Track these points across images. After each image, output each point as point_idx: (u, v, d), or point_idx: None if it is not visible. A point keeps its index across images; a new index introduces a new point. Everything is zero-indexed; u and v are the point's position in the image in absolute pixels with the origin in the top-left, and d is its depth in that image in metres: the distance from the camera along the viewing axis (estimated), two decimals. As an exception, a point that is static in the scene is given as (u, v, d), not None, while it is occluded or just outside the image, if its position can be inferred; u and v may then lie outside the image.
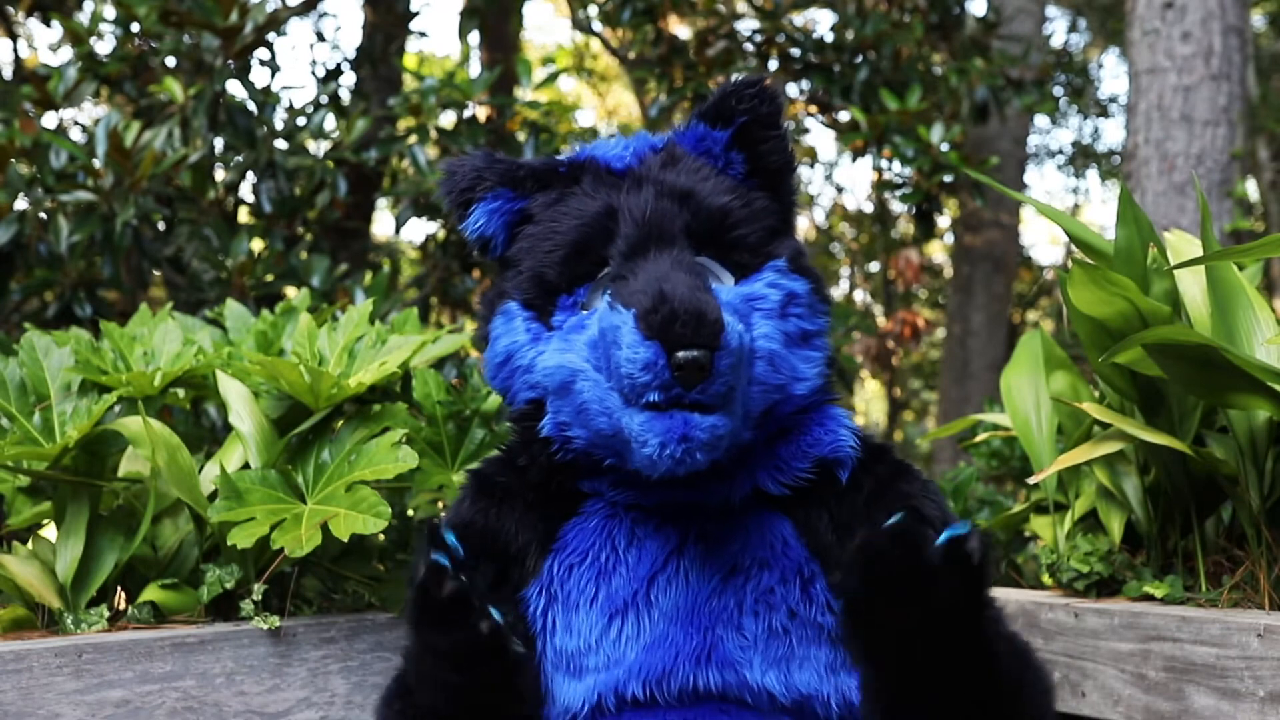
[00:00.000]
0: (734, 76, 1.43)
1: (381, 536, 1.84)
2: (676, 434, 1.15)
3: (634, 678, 1.26)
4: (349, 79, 5.03)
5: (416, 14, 5.13)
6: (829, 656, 1.28)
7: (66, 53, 4.79)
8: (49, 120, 3.82)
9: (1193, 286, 1.64)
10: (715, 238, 1.33)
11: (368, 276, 3.71)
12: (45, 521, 1.73)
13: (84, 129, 4.33)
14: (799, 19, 6.48)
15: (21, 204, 3.04)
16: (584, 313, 1.31)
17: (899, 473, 1.37)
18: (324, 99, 3.85)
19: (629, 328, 1.17)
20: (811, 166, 11.62)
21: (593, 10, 5.91)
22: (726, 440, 1.19)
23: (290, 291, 3.37)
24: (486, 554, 1.35)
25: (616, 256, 1.31)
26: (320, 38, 7.38)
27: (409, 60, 7.19)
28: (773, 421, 1.31)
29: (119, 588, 1.66)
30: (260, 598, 1.59)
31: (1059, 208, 1.81)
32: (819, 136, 17.78)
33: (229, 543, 1.53)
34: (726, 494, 1.31)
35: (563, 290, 1.33)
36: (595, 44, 9.76)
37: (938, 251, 12.12)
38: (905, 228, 10.64)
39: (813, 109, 5.78)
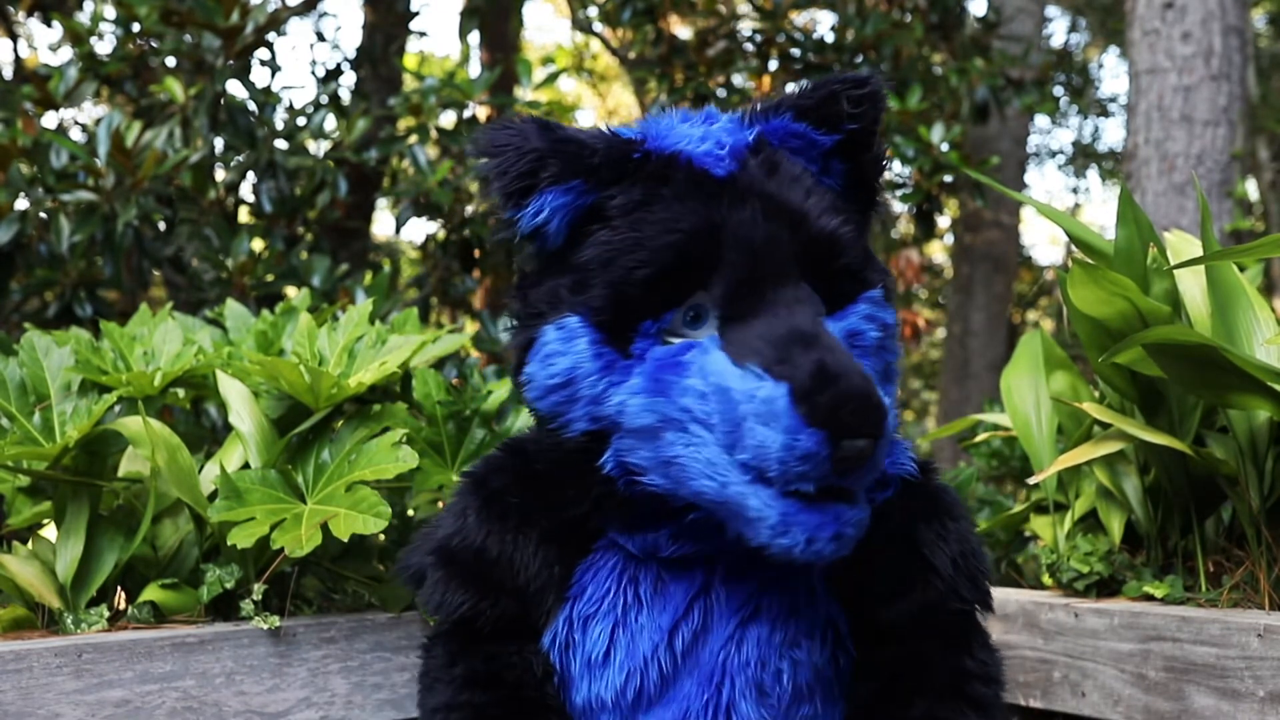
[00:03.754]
0: (869, 70, 1.26)
1: (381, 536, 1.84)
2: (829, 531, 1.05)
3: None
4: (349, 79, 5.04)
5: (416, 14, 5.14)
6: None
7: (67, 53, 4.78)
8: (50, 120, 3.82)
9: (1193, 286, 1.64)
10: (820, 267, 1.18)
11: (368, 276, 3.70)
12: (45, 521, 1.73)
13: (84, 129, 4.33)
14: (799, 19, 6.47)
15: (22, 204, 3.03)
16: (671, 343, 1.15)
17: (926, 511, 1.26)
18: (324, 99, 3.85)
19: (783, 406, 1.03)
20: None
21: (593, 10, 5.91)
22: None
23: (290, 291, 3.37)
24: (505, 590, 1.27)
25: (720, 286, 1.14)
26: (320, 38, 7.37)
27: (409, 60, 7.18)
28: None
29: (119, 588, 1.66)
30: (260, 598, 1.59)
31: (1059, 208, 1.82)
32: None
33: (229, 543, 1.53)
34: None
35: (648, 315, 1.15)
36: (595, 44, 9.76)
37: (938, 251, 12.11)
38: (905, 228, 10.64)
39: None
